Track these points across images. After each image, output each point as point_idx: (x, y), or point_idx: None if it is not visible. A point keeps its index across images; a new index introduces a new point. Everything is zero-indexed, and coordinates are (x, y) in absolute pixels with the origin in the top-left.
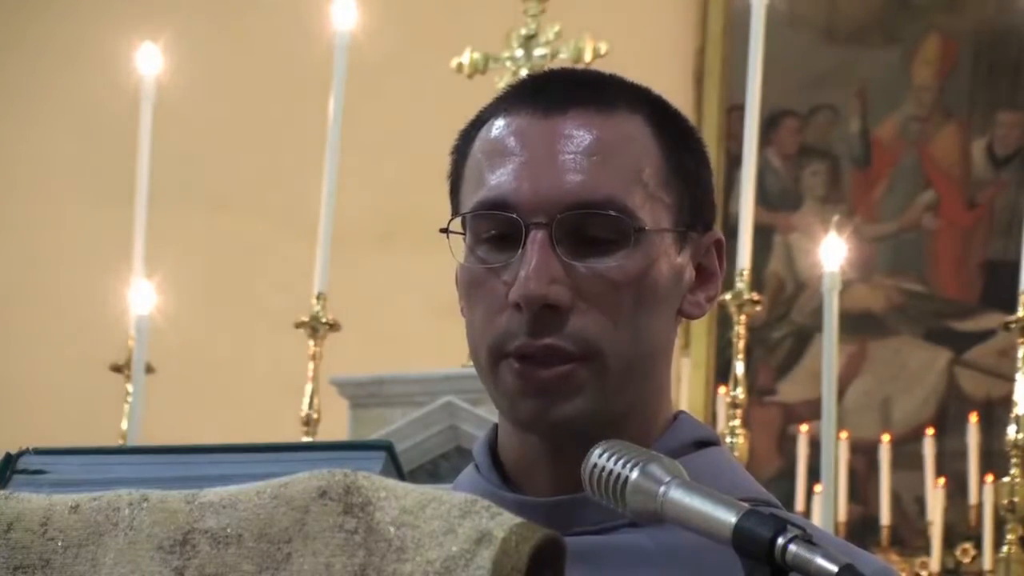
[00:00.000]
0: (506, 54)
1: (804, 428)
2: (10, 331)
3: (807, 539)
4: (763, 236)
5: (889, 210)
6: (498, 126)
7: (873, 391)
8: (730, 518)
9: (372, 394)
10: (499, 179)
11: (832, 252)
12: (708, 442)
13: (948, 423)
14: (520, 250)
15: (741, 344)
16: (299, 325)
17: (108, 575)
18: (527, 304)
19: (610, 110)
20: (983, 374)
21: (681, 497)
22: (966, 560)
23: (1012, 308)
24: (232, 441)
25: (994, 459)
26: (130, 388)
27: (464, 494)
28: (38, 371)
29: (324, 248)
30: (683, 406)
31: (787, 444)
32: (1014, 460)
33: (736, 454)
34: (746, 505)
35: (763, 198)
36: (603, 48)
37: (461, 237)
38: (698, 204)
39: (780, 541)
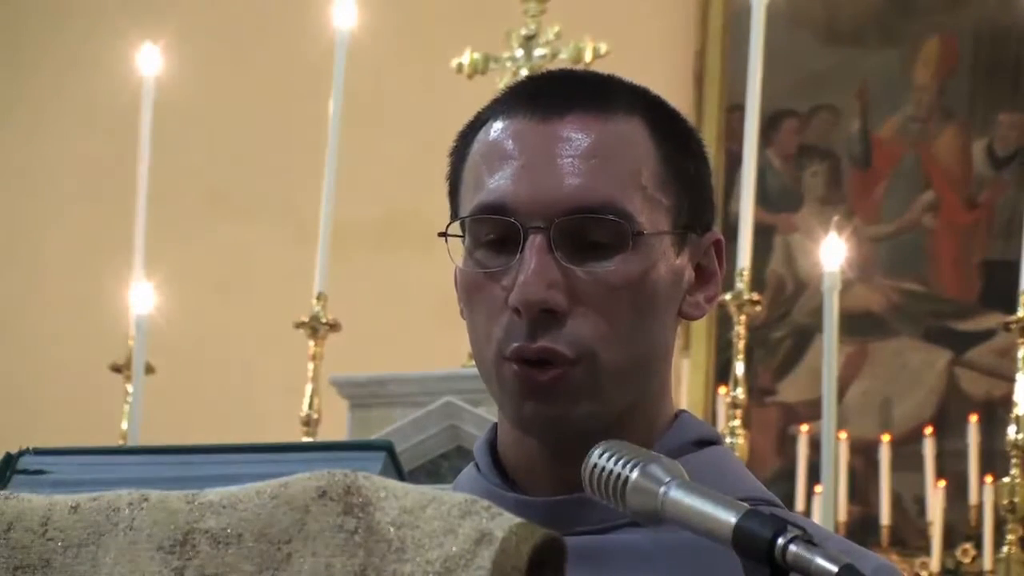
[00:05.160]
0: (506, 54)
1: (804, 428)
2: (11, 331)
3: (807, 539)
4: (763, 236)
5: (889, 210)
6: (496, 129)
7: (873, 391)
8: (730, 518)
9: (372, 394)
10: (497, 183)
11: (832, 252)
12: (710, 441)
13: (948, 423)
14: (519, 254)
15: (741, 344)
16: (299, 325)
17: (108, 575)
18: (526, 309)
19: (608, 113)
20: (983, 374)
21: (681, 497)
22: (966, 560)
23: (1012, 308)
24: (232, 441)
25: (994, 459)
26: (130, 388)
27: (464, 494)
28: (38, 371)
29: (324, 248)
30: (683, 406)
31: (787, 444)
32: (1014, 460)
33: (736, 454)
34: (746, 505)
35: (763, 198)
36: (603, 48)
37: (460, 240)
38: (697, 205)
39: (780, 541)
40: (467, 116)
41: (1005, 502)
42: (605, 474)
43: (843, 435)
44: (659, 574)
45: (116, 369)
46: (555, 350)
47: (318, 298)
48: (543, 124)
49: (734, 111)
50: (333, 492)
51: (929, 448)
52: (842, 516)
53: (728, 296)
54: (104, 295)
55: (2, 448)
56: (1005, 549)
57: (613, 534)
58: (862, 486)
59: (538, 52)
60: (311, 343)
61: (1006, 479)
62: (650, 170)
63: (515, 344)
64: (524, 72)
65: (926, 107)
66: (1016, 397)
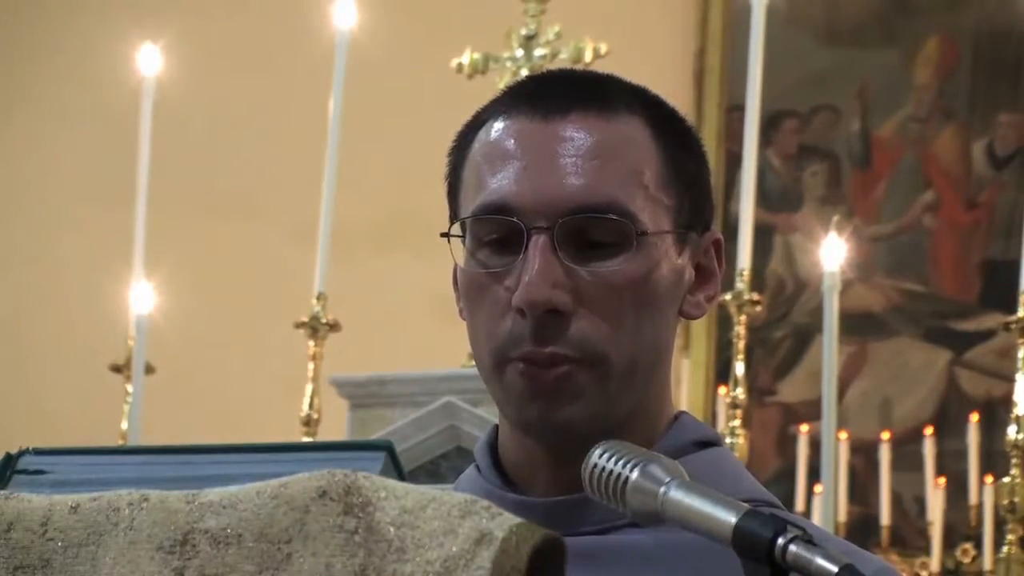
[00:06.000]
0: (506, 54)
1: (804, 428)
2: (11, 331)
3: (807, 539)
4: (763, 236)
5: (889, 210)
6: (497, 128)
7: (873, 391)
8: (730, 518)
9: (372, 394)
10: (500, 183)
11: (832, 252)
12: (709, 442)
13: (948, 423)
14: (522, 254)
15: (741, 344)
16: (299, 325)
17: (108, 575)
18: (530, 309)
19: (610, 113)
20: (983, 374)
21: (681, 497)
22: (966, 560)
23: (1012, 308)
24: (232, 441)
25: (994, 459)
26: (130, 388)
27: (464, 494)
28: (38, 371)
29: (324, 248)
30: (683, 406)
31: (787, 444)
32: (1014, 460)
33: (736, 454)
34: (746, 505)
35: (763, 198)
36: (603, 48)
37: (461, 240)
38: (697, 204)
39: (780, 541)
40: (467, 116)
41: (1005, 502)
42: (605, 474)
43: (843, 435)
44: (659, 574)
45: (116, 369)
46: (563, 355)
47: (318, 298)
48: (545, 124)
49: (734, 111)
50: (333, 492)
51: (929, 448)
52: (842, 516)
53: (728, 296)
54: (104, 295)
55: (2, 448)
56: (1005, 549)
57: (613, 535)
58: (862, 486)
59: (538, 52)
60: (311, 343)
61: (1006, 479)
62: (652, 170)
63: (522, 349)
64: (524, 72)
65: (926, 107)
66: (1016, 397)
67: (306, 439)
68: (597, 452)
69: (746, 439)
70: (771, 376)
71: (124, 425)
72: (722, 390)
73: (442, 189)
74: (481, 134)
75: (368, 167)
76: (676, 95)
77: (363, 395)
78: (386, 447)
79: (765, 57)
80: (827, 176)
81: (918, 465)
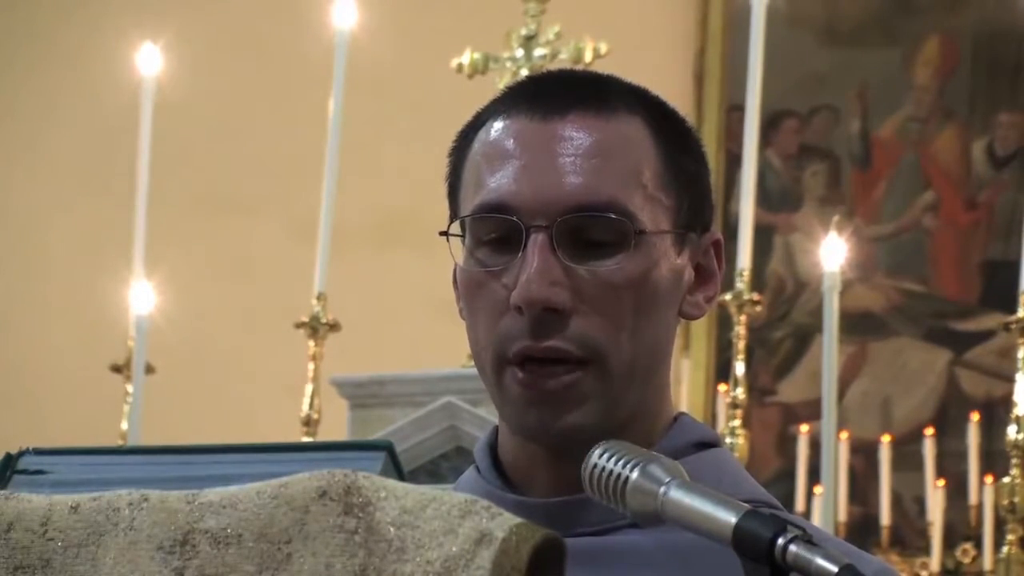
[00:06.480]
0: (506, 54)
1: (804, 428)
2: (10, 331)
3: (807, 539)
4: (763, 236)
5: (889, 210)
6: (496, 128)
7: (873, 391)
8: (730, 518)
9: (372, 394)
10: (499, 182)
11: (832, 252)
12: (709, 443)
13: (948, 423)
14: (520, 253)
15: (741, 344)
16: (299, 325)
17: (108, 575)
18: (528, 307)
19: (609, 112)
20: (983, 374)
21: (681, 497)
22: (966, 560)
23: (1012, 308)
24: (232, 441)
25: (994, 459)
26: (130, 388)
27: (464, 494)
28: (38, 371)
29: (324, 248)
30: (683, 406)
31: (787, 444)
32: (1014, 460)
33: (736, 454)
34: (746, 505)
35: (763, 198)
36: (603, 48)
37: (460, 239)
38: (697, 205)
39: (780, 541)
40: (467, 116)
41: (1005, 502)
42: (605, 474)
43: (843, 435)
44: (659, 575)
45: (116, 369)
46: (562, 349)
47: (318, 298)
48: (544, 123)
49: (734, 111)
50: (333, 492)
51: (929, 448)
52: (842, 516)
53: (728, 296)
54: (104, 295)
55: (2, 448)
56: (1005, 549)
57: (613, 535)
58: (862, 486)
59: (538, 52)
60: (311, 343)
61: (1006, 479)
62: (651, 170)
63: (519, 345)
64: (524, 72)
65: (926, 107)
66: (1016, 397)
67: (306, 439)
68: (597, 452)
69: (746, 439)
70: (771, 376)
71: (124, 425)
72: (722, 390)
73: (442, 189)
74: (481, 134)
75: (368, 167)
76: (676, 95)
77: (363, 395)
78: (386, 447)
79: (765, 57)
80: (827, 176)
81: (918, 465)
